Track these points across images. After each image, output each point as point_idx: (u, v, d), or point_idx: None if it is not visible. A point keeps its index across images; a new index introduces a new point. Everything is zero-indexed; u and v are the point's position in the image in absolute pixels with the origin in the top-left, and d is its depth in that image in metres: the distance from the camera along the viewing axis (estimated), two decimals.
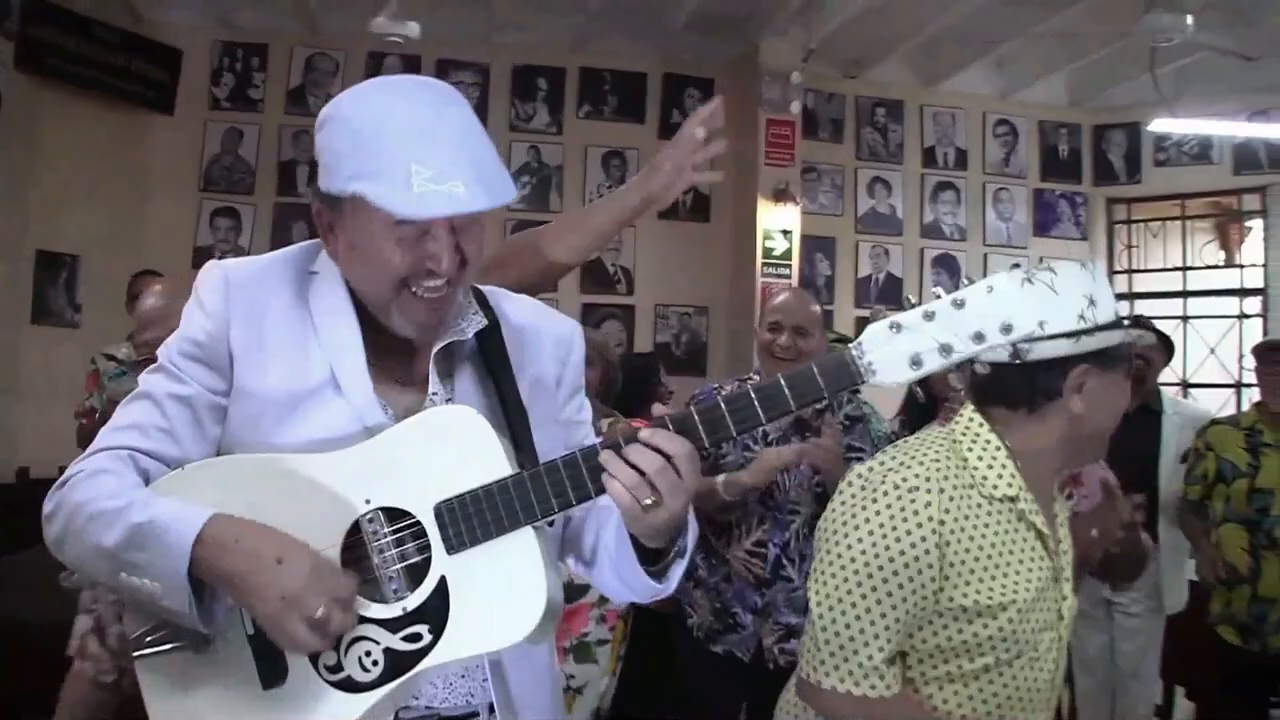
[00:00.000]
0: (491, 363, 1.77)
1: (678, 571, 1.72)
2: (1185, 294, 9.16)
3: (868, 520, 1.99)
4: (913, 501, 1.97)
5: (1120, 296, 9.16)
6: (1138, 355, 5.28)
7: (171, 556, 1.51)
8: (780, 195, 8.33)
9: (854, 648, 1.99)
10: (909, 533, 1.96)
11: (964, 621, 2.01)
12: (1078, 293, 1.92)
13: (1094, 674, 5.03)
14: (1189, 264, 9.24)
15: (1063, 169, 9.41)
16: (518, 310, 1.89)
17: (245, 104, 8.35)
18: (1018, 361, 1.68)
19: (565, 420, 1.89)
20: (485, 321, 1.79)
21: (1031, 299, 1.48)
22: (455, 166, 1.55)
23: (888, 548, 1.96)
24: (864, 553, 1.97)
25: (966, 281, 1.50)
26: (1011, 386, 2.08)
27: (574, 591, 3.57)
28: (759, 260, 8.33)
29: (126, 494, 1.59)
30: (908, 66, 9.05)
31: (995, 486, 2.04)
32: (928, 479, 2.00)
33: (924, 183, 9.28)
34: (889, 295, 8.94)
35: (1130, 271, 9.51)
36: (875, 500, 2.00)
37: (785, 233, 8.38)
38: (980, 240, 9.27)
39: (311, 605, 1.48)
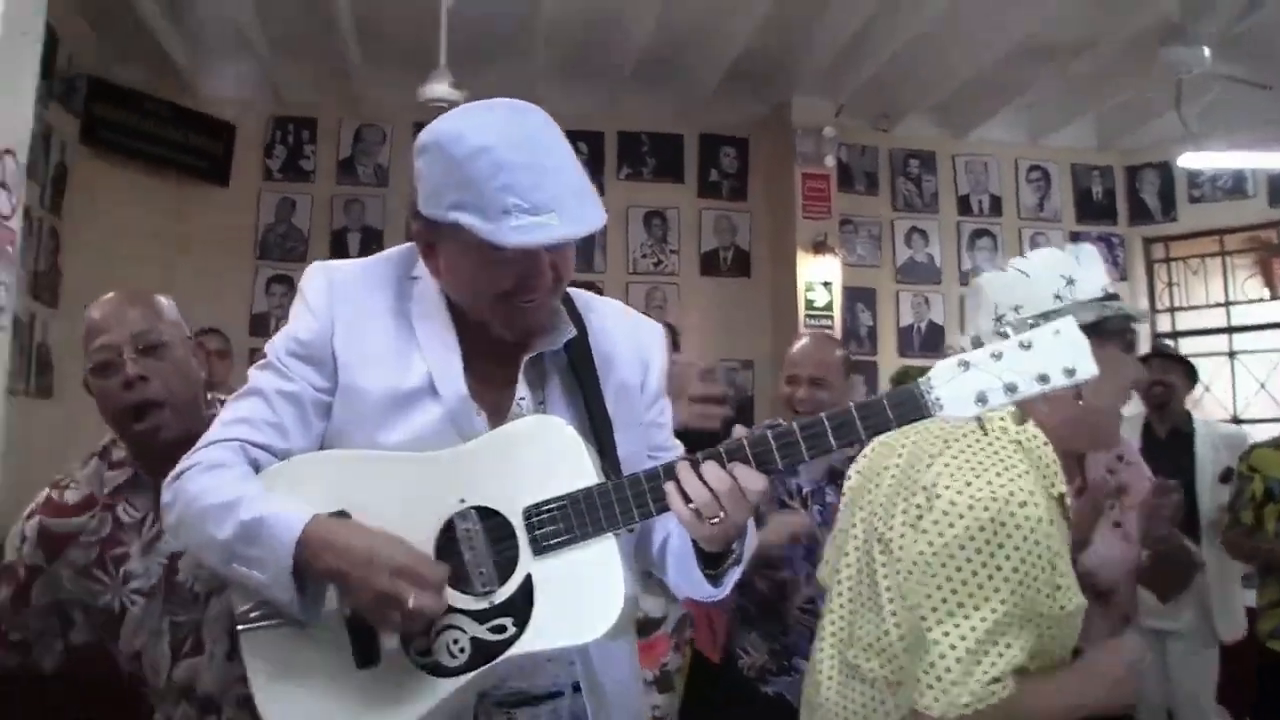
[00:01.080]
0: (579, 371, 1.88)
1: (733, 577, 1.84)
2: (1230, 330, 9.11)
3: (1001, 548, 1.90)
4: (1027, 519, 1.91)
5: (1164, 335, 9.20)
6: (1157, 381, 5.30)
7: (277, 554, 1.64)
8: (819, 247, 8.44)
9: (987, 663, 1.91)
10: (1040, 556, 1.91)
11: (1059, 627, 2.01)
12: (1053, 273, 2.05)
13: (1148, 704, 4.95)
14: (1231, 299, 9.19)
15: (1097, 211, 9.48)
16: (604, 316, 1.99)
17: (297, 174, 8.62)
18: None
19: (648, 423, 2.00)
20: (574, 331, 1.88)
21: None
22: (551, 198, 1.64)
23: (1028, 573, 1.90)
24: (1007, 579, 1.90)
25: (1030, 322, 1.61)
26: None
27: (649, 625, 3.55)
28: (801, 313, 8.41)
29: (237, 488, 1.71)
30: (937, 117, 9.20)
31: (1052, 485, 2.05)
32: (1031, 491, 1.94)
33: (960, 231, 9.35)
34: (931, 344, 9.00)
35: (1173, 310, 9.48)
36: (995, 532, 1.90)
37: (826, 284, 8.47)
38: None
39: (404, 595, 1.58)
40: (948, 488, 1.95)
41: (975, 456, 2.00)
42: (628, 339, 1.99)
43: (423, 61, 6.69)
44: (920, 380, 1.57)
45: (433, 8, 6.39)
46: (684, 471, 1.64)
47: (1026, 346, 1.53)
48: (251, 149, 8.56)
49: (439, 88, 6.55)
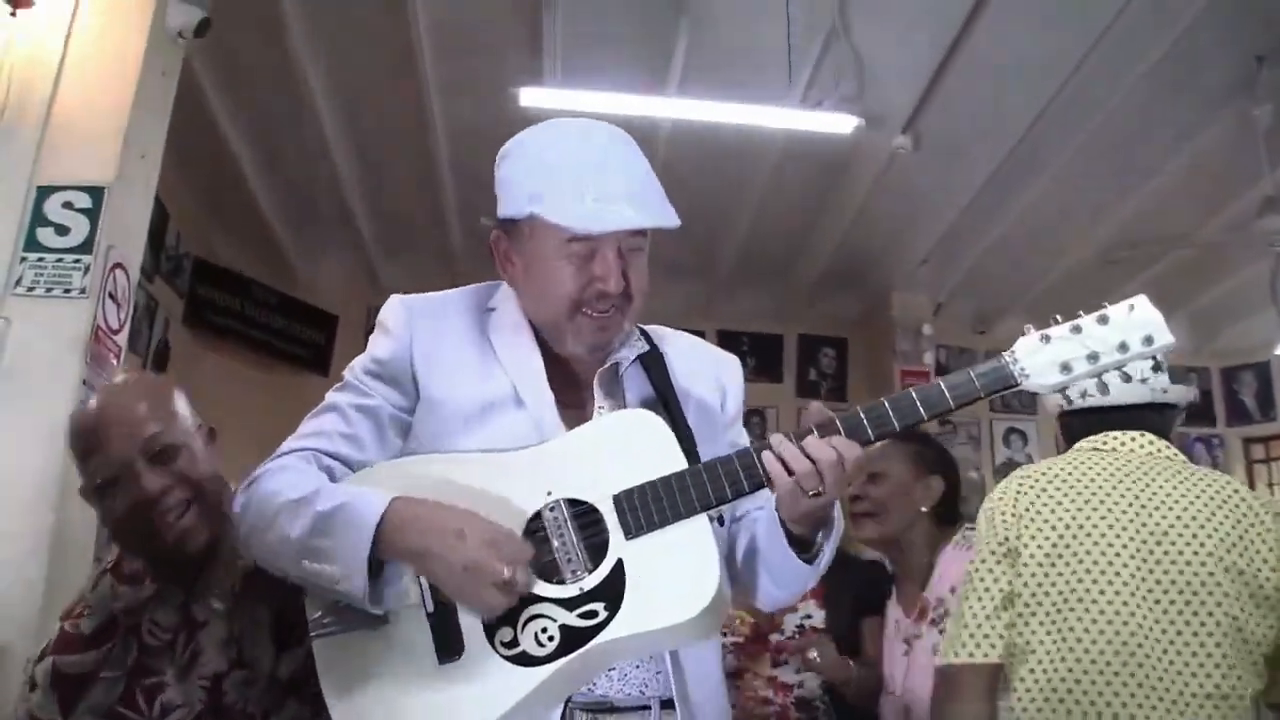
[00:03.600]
0: (658, 385, 1.89)
1: (825, 558, 1.81)
2: None
3: None
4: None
5: None
6: None
7: (355, 539, 1.60)
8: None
9: None
10: None
11: None
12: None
13: None
14: None
15: (1196, 412, 9.32)
16: (678, 343, 2.02)
17: None
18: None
19: (729, 442, 1.94)
20: (647, 347, 1.93)
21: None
22: (624, 190, 1.72)
23: None
24: None
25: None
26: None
27: None
28: None
29: (313, 484, 1.70)
30: (1033, 319, 9.14)
31: None
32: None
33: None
34: None
35: None
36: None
37: None
38: None
39: (496, 569, 1.56)
40: None
41: None
42: (705, 364, 2.01)
43: None
44: (1005, 353, 1.65)
45: None
46: (783, 444, 1.63)
47: (1104, 321, 1.62)
48: (352, 337, 8.50)
49: None
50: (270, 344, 8.10)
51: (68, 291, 3.89)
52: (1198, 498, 2.16)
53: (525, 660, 1.61)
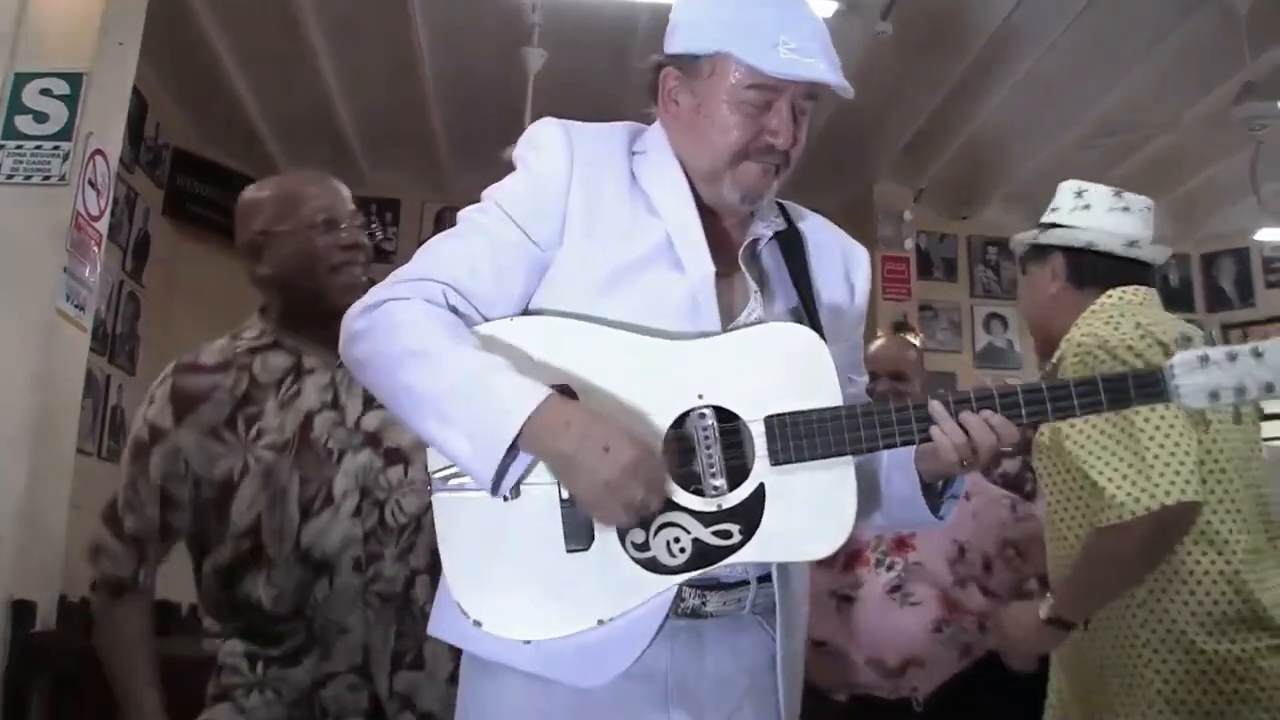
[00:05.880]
0: (794, 273, 1.85)
1: (953, 507, 1.84)
2: None
3: None
4: None
5: None
6: None
7: (500, 424, 1.55)
8: (899, 328, 8.33)
9: None
10: None
11: None
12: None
13: None
14: None
15: (1175, 298, 9.41)
16: (812, 224, 1.96)
17: (378, 255, 8.37)
18: None
19: (853, 343, 1.97)
20: (784, 224, 1.88)
21: None
22: (815, 44, 1.70)
23: None
24: None
25: None
26: None
27: None
28: None
29: (455, 337, 1.64)
30: (1014, 205, 9.19)
31: None
32: None
33: None
34: None
35: None
36: None
37: None
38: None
39: (632, 492, 1.54)
40: None
41: None
42: (836, 256, 1.96)
43: (509, 141, 6.59)
44: (1165, 365, 1.67)
45: (520, 82, 6.37)
46: (945, 417, 1.66)
47: (1259, 355, 1.64)
48: None
49: None
50: None
51: (47, 179, 3.89)
52: None
53: (654, 566, 1.63)
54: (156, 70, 6.55)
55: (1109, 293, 2.63)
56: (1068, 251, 2.74)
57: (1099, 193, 2.76)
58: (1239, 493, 2.42)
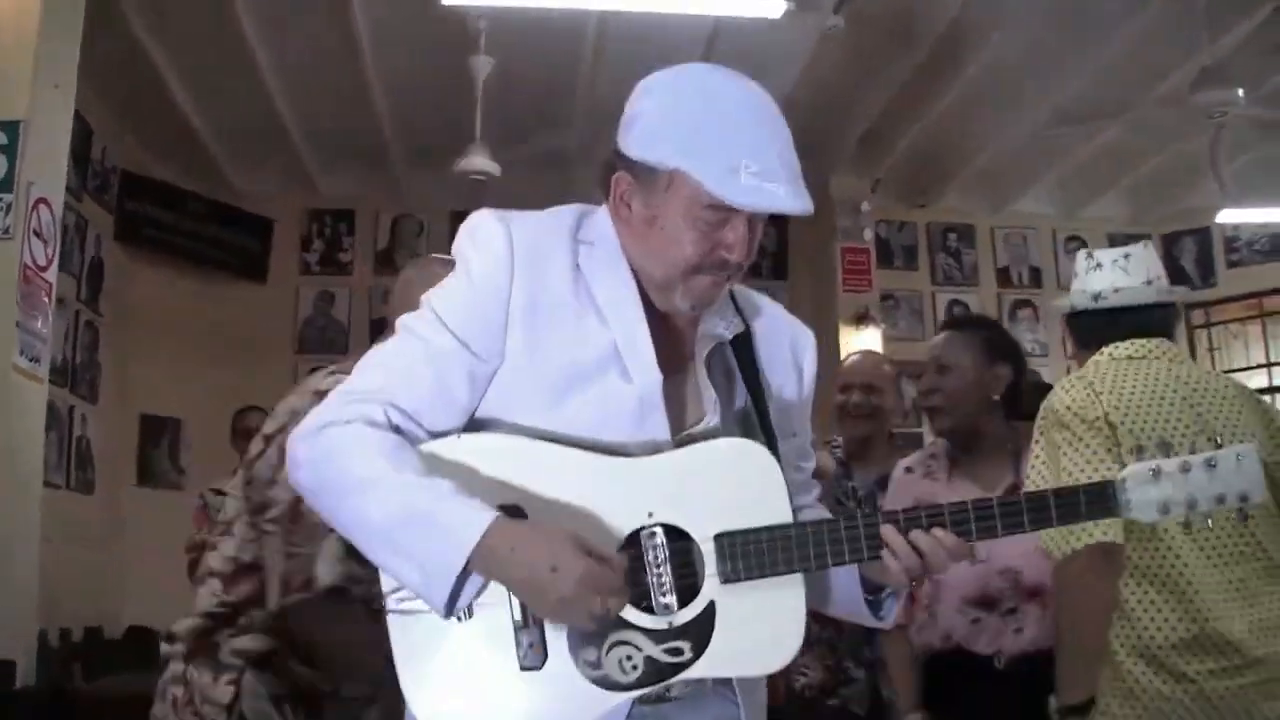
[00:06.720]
0: (746, 375, 1.81)
1: (894, 607, 1.83)
2: (1272, 390, 9.12)
3: None
4: None
5: None
6: None
7: (447, 554, 1.52)
8: (861, 319, 8.44)
9: None
10: None
11: None
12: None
13: None
14: (1272, 360, 9.29)
15: None
16: (761, 316, 1.90)
17: (336, 267, 8.54)
18: None
19: (801, 433, 1.92)
20: (742, 326, 1.82)
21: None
22: (779, 166, 1.61)
23: None
24: None
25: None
26: None
27: None
28: None
29: (400, 464, 1.59)
30: (972, 193, 9.26)
31: None
32: None
33: (1001, 302, 9.39)
34: None
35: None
36: None
37: None
38: (1063, 355, 9.22)
39: (589, 604, 1.52)
40: None
41: None
42: (784, 344, 1.90)
43: (460, 149, 6.59)
44: (1115, 482, 1.69)
45: (469, 90, 6.30)
46: (894, 537, 1.65)
47: (1212, 465, 1.67)
48: (289, 243, 8.46)
49: (476, 160, 6.42)
50: (205, 253, 7.98)
51: None
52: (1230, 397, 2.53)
53: (607, 684, 1.61)
54: (97, 91, 6.42)
55: (1101, 350, 2.66)
56: (1067, 320, 2.82)
57: (1103, 255, 2.77)
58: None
